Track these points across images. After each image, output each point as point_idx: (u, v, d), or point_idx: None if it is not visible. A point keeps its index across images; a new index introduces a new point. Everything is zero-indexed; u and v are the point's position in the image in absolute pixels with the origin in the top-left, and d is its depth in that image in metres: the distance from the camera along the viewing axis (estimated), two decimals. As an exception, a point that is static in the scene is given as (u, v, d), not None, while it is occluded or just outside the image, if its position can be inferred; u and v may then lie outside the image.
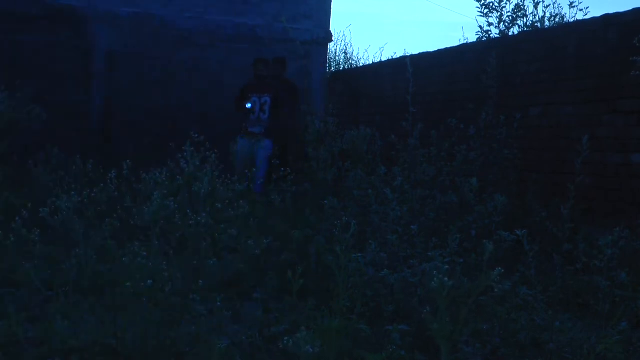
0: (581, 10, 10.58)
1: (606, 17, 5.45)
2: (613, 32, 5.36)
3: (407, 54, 9.92)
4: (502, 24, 8.12)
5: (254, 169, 6.42)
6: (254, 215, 5.03)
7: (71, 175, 5.98)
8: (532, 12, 8.77)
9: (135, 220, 4.32)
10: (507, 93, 6.47)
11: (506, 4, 8.10)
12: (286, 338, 2.73)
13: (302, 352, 2.63)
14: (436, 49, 8.03)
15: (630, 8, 5.43)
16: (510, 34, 8.03)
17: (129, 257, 3.56)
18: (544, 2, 8.41)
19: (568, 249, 4.15)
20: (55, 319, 3.14)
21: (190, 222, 4.21)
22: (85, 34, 8.45)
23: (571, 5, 8.04)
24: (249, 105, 7.21)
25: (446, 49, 7.83)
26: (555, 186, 5.78)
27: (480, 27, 8.21)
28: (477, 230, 4.47)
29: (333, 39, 10.02)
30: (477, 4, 8.09)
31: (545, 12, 8.77)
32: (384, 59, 11.90)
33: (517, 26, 8.19)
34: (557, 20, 8.54)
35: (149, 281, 3.15)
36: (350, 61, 13.34)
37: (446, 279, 2.58)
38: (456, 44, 7.76)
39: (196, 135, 5.02)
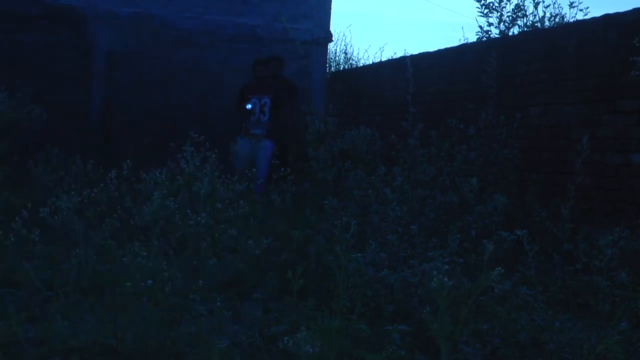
0: (581, 10, 10.59)
1: (606, 17, 5.45)
2: (613, 32, 5.36)
3: (407, 54, 9.92)
4: (502, 24, 8.12)
5: (254, 169, 6.42)
6: (254, 215, 5.03)
7: (71, 175, 5.98)
8: (532, 12, 8.78)
9: (135, 220, 4.32)
10: (507, 93, 6.47)
11: (506, 4, 8.11)
12: (286, 338, 2.73)
13: (302, 352, 2.63)
14: (436, 49, 8.04)
15: (630, 8, 5.44)
16: (510, 34, 8.04)
17: (129, 257, 3.56)
18: (544, 2, 8.42)
19: (568, 249, 4.15)
20: (55, 319, 3.14)
21: (190, 222, 4.21)
22: (85, 34, 8.45)
23: (571, 5, 8.04)
24: (249, 107, 7.20)
25: (446, 49, 7.83)
26: (555, 186, 5.78)
27: (480, 27, 8.22)
28: (477, 230, 4.47)
29: (333, 39, 10.02)
30: (477, 4, 8.09)
31: (545, 12, 8.78)
32: (384, 59, 11.92)
33: (517, 26, 8.19)
34: (557, 20, 8.55)
35: (149, 281, 3.15)
36: (350, 61, 13.35)
37: (446, 279, 2.58)
38: (456, 44, 7.77)
39: (196, 135, 5.02)
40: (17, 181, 6.14)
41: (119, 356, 2.88)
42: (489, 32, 8.15)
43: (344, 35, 23.50)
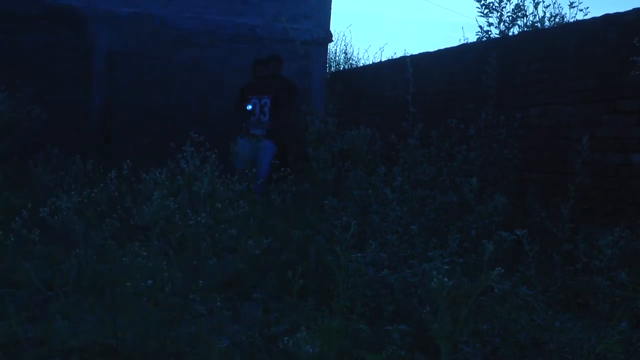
0: (581, 10, 10.59)
1: (606, 17, 5.45)
2: (613, 32, 5.36)
3: (407, 54, 9.92)
4: (502, 24, 8.12)
5: (254, 169, 6.42)
6: (254, 215, 5.03)
7: (71, 175, 5.98)
8: (532, 12, 8.78)
9: (135, 220, 4.32)
10: (507, 93, 6.47)
11: (506, 4, 8.11)
12: (286, 338, 2.73)
13: (302, 352, 2.63)
14: (436, 49, 8.04)
15: (630, 8, 5.44)
16: (510, 34, 8.04)
17: (129, 257, 3.56)
18: (544, 2, 8.42)
19: (568, 249, 4.15)
20: (55, 319, 3.14)
21: (190, 222, 4.21)
22: (85, 34, 8.45)
23: (571, 5, 8.05)
24: (249, 107, 7.20)
25: (446, 49, 7.83)
26: (555, 186, 5.78)
27: (480, 27, 8.22)
28: (477, 230, 4.47)
29: (333, 39, 10.02)
30: (477, 4, 8.09)
31: (545, 12, 8.78)
32: (384, 59, 11.91)
33: (517, 26, 8.19)
34: (557, 20, 8.55)
35: (149, 281, 3.15)
36: (350, 61, 13.34)
37: (446, 279, 2.58)
38: (456, 44, 7.77)
39: (196, 135, 5.02)
40: (17, 181, 6.14)
41: (119, 356, 2.88)
42: (489, 32, 8.15)
43: (344, 35, 23.52)
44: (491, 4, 8.08)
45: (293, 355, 2.73)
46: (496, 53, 6.56)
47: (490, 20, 8.15)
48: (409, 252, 3.98)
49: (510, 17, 8.11)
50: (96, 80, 8.50)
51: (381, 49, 23.24)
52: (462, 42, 7.98)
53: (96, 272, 3.95)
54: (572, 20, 8.21)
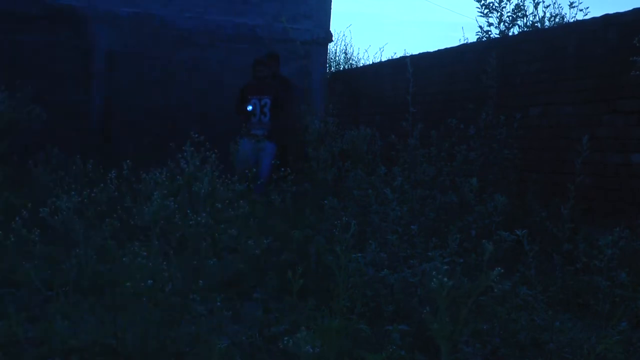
0: (581, 10, 10.61)
1: (606, 17, 5.45)
2: (613, 32, 5.36)
3: (407, 54, 9.92)
4: (502, 24, 8.13)
5: (255, 170, 6.42)
6: (254, 215, 5.03)
7: (71, 175, 5.98)
8: (532, 12, 8.79)
9: (135, 220, 4.32)
10: (507, 93, 6.47)
11: (506, 4, 8.12)
12: (286, 338, 2.73)
13: (302, 352, 2.63)
14: (436, 49, 8.04)
15: (630, 8, 5.44)
16: (510, 34, 8.04)
17: (129, 257, 3.56)
18: (544, 2, 8.41)
19: (568, 249, 4.15)
20: (55, 319, 3.14)
21: (190, 222, 4.21)
22: (85, 34, 8.45)
23: (571, 5, 8.05)
24: (249, 108, 7.20)
25: (446, 49, 7.83)
26: (555, 186, 5.78)
27: (480, 27, 8.22)
28: (477, 230, 4.47)
29: (333, 39, 10.02)
30: (477, 4, 8.10)
31: (545, 12, 8.80)
32: (384, 59, 11.92)
33: (517, 26, 8.20)
34: (557, 20, 8.55)
35: (149, 281, 3.15)
36: (350, 61, 13.34)
37: (446, 279, 2.58)
38: (456, 44, 7.77)
39: (196, 135, 5.02)
40: (17, 181, 6.14)
41: (119, 356, 2.88)
42: (489, 32, 8.16)
43: (344, 35, 23.51)
44: (491, 4, 8.08)
45: (293, 355, 2.73)
46: (496, 53, 6.56)
47: (490, 20, 8.16)
48: (409, 252, 3.98)
49: (510, 17, 8.12)
50: (96, 80, 8.50)
51: (381, 49, 23.28)
52: (462, 42, 7.99)
53: (96, 272, 3.95)
54: (572, 20, 8.22)
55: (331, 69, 12.42)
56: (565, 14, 11.32)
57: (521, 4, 8.18)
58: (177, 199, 4.48)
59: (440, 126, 6.52)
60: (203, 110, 8.90)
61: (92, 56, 8.48)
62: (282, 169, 6.06)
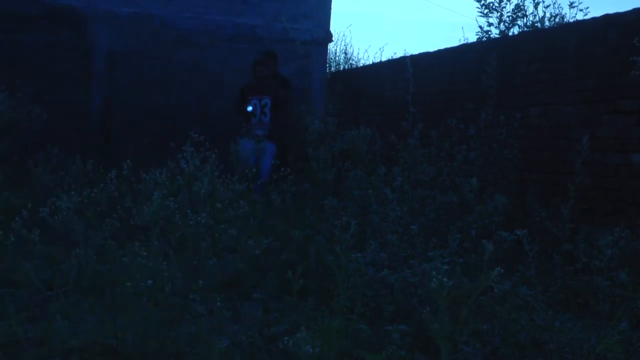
0: (581, 10, 10.60)
1: (606, 17, 5.45)
2: (613, 32, 5.36)
3: (407, 54, 9.92)
4: (502, 24, 8.13)
5: (255, 170, 6.41)
6: (254, 215, 5.03)
7: (71, 175, 5.97)
8: (532, 12, 8.79)
9: (135, 220, 4.32)
10: (507, 93, 6.47)
11: (506, 4, 8.12)
12: (286, 338, 2.73)
13: (302, 352, 2.63)
14: (436, 49, 8.04)
15: (630, 8, 5.44)
16: (510, 34, 8.04)
17: (129, 257, 3.56)
18: (544, 2, 8.42)
19: (568, 249, 4.15)
20: (55, 319, 3.14)
21: (190, 222, 4.21)
22: (85, 34, 8.44)
23: (571, 5, 8.05)
24: (249, 109, 7.20)
25: (446, 49, 7.83)
26: (555, 186, 5.78)
27: (480, 27, 8.22)
28: (477, 230, 4.47)
29: (333, 39, 10.02)
30: (477, 4, 8.10)
31: (545, 12, 8.80)
32: (384, 59, 11.92)
33: (517, 26, 8.20)
34: (557, 20, 8.55)
35: (149, 281, 3.15)
36: (350, 61, 13.34)
37: (446, 279, 2.58)
38: (456, 44, 7.77)
39: (196, 135, 5.02)
40: (17, 181, 6.13)
41: (119, 356, 2.88)
42: (489, 32, 8.16)
43: (344, 35, 23.51)
44: (491, 4, 8.08)
45: (293, 355, 2.73)
46: (496, 53, 6.56)
47: (490, 20, 8.16)
48: (409, 252, 3.98)
49: (510, 17, 8.12)
50: (96, 80, 8.50)
51: (381, 49, 23.28)
52: (462, 42, 7.99)
53: (96, 272, 3.95)
54: (572, 20, 8.22)
55: (331, 69, 12.42)
56: (565, 14, 11.31)
57: (521, 4, 8.19)
58: (177, 199, 4.48)
59: (440, 126, 6.52)
60: (203, 110, 8.90)
61: (92, 56, 8.48)
62: (282, 169, 6.06)
